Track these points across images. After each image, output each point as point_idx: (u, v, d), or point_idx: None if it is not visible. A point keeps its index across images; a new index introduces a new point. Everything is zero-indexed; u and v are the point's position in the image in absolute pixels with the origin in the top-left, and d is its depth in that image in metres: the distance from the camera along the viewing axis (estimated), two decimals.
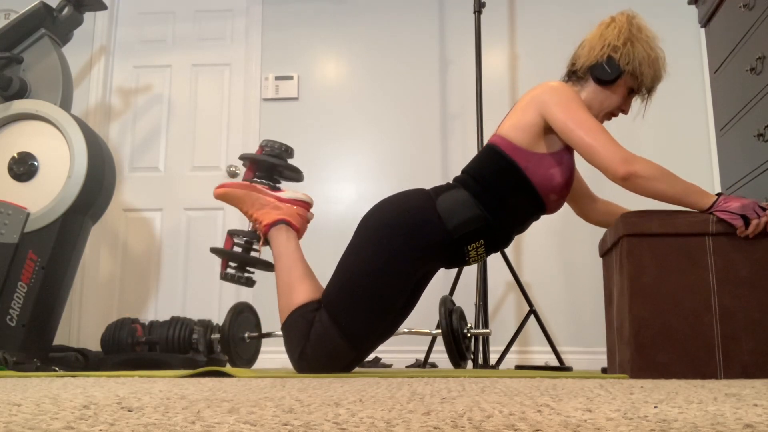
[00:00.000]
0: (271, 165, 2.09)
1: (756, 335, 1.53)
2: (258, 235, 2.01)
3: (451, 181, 1.85)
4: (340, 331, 1.70)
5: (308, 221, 2.01)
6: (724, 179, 2.53)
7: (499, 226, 1.75)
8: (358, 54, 3.70)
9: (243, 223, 3.42)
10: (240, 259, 2.17)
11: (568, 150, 1.77)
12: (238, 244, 2.17)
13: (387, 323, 1.77)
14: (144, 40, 3.87)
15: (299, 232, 1.96)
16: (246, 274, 2.21)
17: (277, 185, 2.08)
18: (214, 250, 2.21)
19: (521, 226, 1.82)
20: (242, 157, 2.11)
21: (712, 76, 2.64)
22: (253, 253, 2.20)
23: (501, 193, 1.73)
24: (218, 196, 1.99)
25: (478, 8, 3.08)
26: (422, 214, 1.74)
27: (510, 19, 3.63)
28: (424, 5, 3.70)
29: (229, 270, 2.19)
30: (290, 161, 2.18)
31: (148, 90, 3.82)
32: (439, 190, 1.79)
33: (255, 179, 2.06)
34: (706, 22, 2.67)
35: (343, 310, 1.71)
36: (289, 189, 2.04)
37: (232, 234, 2.16)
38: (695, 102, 3.41)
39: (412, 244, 1.72)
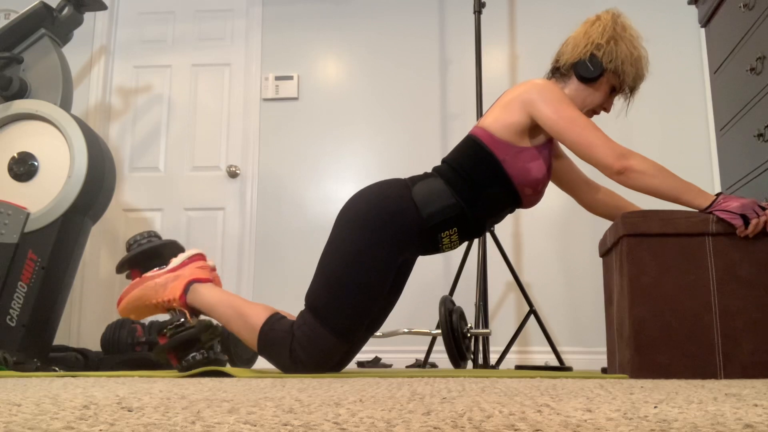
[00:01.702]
0: (148, 251, 1.99)
1: (756, 335, 1.53)
2: (182, 313, 1.88)
3: (429, 171, 1.86)
4: (328, 327, 1.70)
5: (214, 269, 1.96)
6: (724, 179, 2.53)
7: (473, 216, 1.76)
8: (358, 54, 3.70)
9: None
10: (183, 341, 1.93)
11: (547, 146, 1.79)
12: (173, 334, 1.93)
13: (374, 313, 1.77)
14: (144, 40, 3.87)
15: (212, 282, 1.90)
16: (201, 352, 1.93)
17: (164, 265, 1.96)
18: (156, 354, 1.96)
19: (496, 216, 1.83)
20: (119, 269, 2.01)
21: (712, 76, 2.64)
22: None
23: (477, 184, 1.75)
24: (123, 311, 1.89)
25: (478, 8, 3.08)
26: (397, 202, 1.75)
27: (510, 19, 3.63)
28: (424, 5, 3.70)
29: (183, 361, 1.93)
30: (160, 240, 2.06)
31: (148, 90, 3.82)
32: (415, 179, 1.81)
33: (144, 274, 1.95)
34: (706, 22, 2.67)
35: (329, 305, 1.71)
36: (174, 259, 1.95)
37: (159, 331, 1.95)
38: (695, 102, 3.41)
39: (388, 232, 1.72)
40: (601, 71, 1.75)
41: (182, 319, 1.89)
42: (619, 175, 1.64)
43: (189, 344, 1.91)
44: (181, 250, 2.06)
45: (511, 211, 1.86)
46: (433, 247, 1.80)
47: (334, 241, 1.77)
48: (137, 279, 1.91)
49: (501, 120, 1.75)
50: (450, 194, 1.74)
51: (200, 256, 1.95)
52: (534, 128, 1.75)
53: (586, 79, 1.77)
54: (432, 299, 3.25)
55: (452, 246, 1.81)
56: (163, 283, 1.87)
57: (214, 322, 1.88)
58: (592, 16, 1.82)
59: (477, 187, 1.75)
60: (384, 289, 1.75)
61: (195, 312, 1.87)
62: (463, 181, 1.75)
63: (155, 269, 1.93)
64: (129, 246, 2.03)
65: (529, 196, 1.79)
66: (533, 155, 1.75)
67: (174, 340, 1.87)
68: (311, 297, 1.75)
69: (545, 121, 1.71)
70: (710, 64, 2.67)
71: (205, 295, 1.84)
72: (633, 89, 1.80)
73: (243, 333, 1.78)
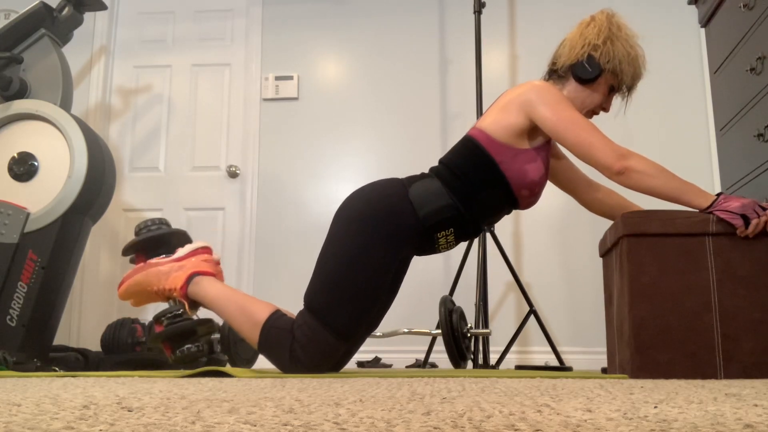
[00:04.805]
0: (156, 238, 1.97)
1: (756, 335, 1.53)
2: (181, 304, 1.86)
3: (426, 171, 1.86)
4: (327, 328, 1.70)
5: (218, 263, 1.94)
6: (724, 179, 2.53)
7: (469, 217, 1.77)
8: (358, 54, 3.70)
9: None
10: (178, 331, 1.95)
11: (545, 147, 1.79)
12: (169, 323, 1.97)
13: (372, 313, 1.77)
14: (144, 40, 3.87)
15: (215, 276, 1.89)
16: (196, 345, 1.98)
17: (171, 254, 1.94)
18: (151, 341, 1.96)
19: (492, 217, 1.83)
20: (125, 252, 1.98)
21: (712, 76, 2.64)
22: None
23: (473, 185, 1.75)
24: (123, 295, 1.88)
25: (478, 8, 3.08)
26: (394, 202, 1.75)
27: (510, 19, 3.63)
28: (424, 5, 3.70)
29: (177, 352, 1.95)
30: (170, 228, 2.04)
31: (148, 90, 3.82)
32: (412, 179, 1.81)
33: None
34: (706, 22, 2.67)
35: (328, 306, 1.71)
36: (181, 249, 1.93)
37: (157, 319, 1.98)
38: (695, 102, 3.41)
39: (384, 232, 1.72)
40: (599, 72, 1.75)
41: (180, 310, 1.88)
42: (619, 175, 1.64)
43: (184, 335, 1.92)
44: (189, 240, 2.04)
45: (508, 212, 1.86)
46: (430, 247, 1.80)
47: (332, 241, 1.77)
48: (141, 264, 1.89)
49: (499, 122, 1.75)
50: (446, 195, 1.75)
51: (207, 249, 1.94)
52: (533, 130, 1.75)
53: (585, 80, 1.77)
54: (432, 299, 3.25)
55: (448, 246, 1.82)
56: (166, 271, 1.86)
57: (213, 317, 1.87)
58: (587, 17, 1.83)
59: (473, 189, 1.75)
60: (382, 289, 1.75)
61: (195, 305, 1.86)
62: (459, 182, 1.75)
63: (161, 257, 1.91)
64: (138, 230, 2.00)
65: (525, 198, 1.79)
66: (531, 157, 1.74)
67: (169, 330, 1.87)
68: (310, 297, 1.75)
69: (544, 122, 1.70)
70: (710, 64, 2.67)
71: (207, 288, 1.83)
72: (631, 88, 1.81)
73: (244, 329, 1.77)
